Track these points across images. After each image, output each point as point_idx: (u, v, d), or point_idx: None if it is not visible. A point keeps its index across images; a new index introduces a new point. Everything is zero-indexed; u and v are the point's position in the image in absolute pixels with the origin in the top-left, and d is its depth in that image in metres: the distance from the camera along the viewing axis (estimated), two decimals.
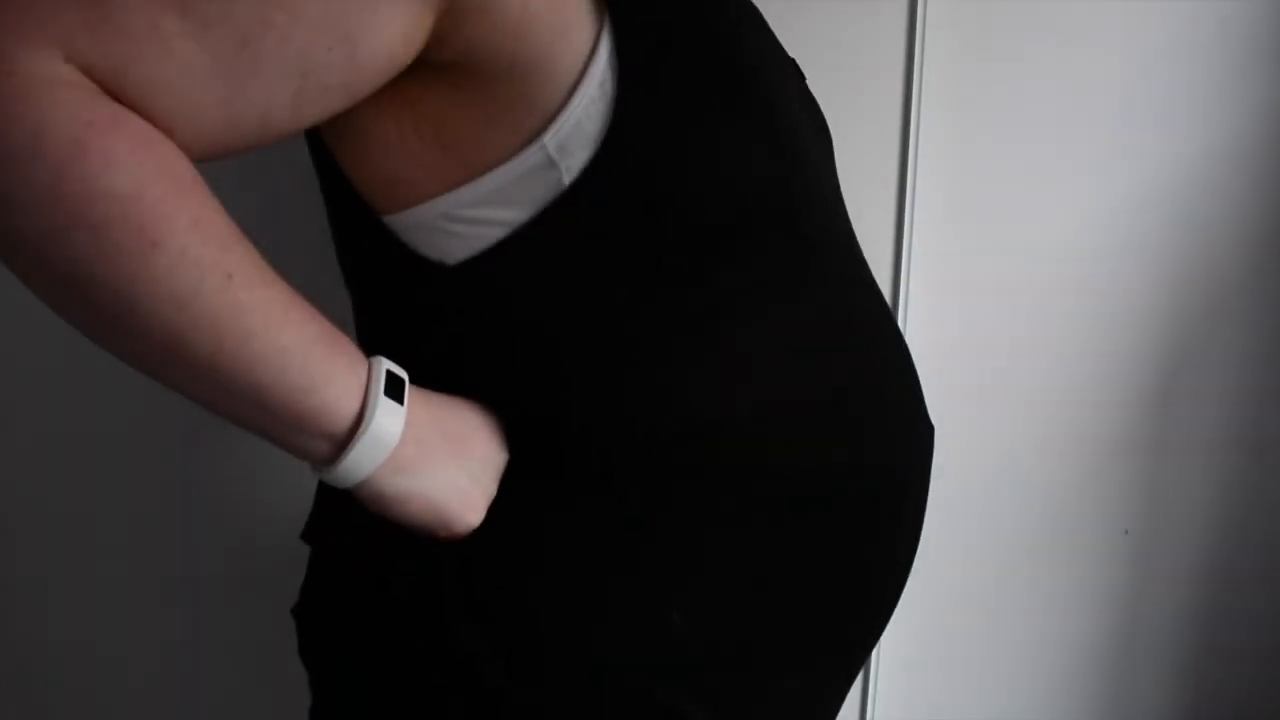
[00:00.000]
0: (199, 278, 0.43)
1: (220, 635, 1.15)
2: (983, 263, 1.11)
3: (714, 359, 0.57)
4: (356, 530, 0.55)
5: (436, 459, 0.53)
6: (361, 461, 0.50)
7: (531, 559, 0.56)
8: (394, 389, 0.51)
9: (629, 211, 0.53)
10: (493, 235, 0.53)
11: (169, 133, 0.44)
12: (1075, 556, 1.19)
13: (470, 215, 0.53)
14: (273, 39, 0.43)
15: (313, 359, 0.48)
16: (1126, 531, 1.17)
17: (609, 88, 0.50)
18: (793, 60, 0.69)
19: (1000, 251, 1.10)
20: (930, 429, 0.70)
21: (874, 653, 1.21)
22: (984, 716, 1.24)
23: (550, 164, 0.51)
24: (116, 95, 0.42)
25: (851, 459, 0.61)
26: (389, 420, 0.50)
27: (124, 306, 0.43)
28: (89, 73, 0.41)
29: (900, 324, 1.11)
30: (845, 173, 1.08)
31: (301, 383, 0.48)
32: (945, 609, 1.21)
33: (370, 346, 0.62)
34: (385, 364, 0.52)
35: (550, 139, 0.51)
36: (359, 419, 0.50)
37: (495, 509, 0.56)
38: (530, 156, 0.51)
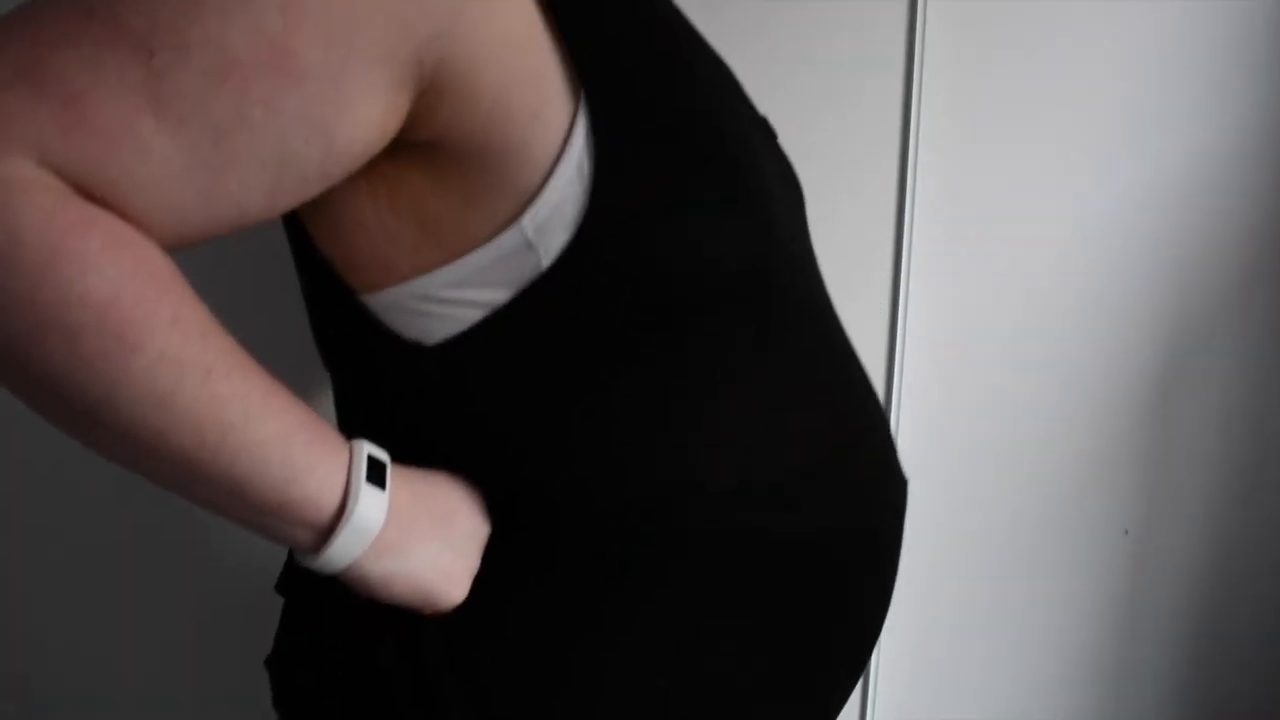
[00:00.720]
0: (179, 375, 0.43)
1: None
2: (982, 262, 1.11)
3: (690, 430, 0.56)
4: (334, 587, 0.55)
5: (420, 539, 0.53)
6: (345, 549, 0.50)
7: (518, 630, 0.56)
8: (376, 474, 0.51)
9: (607, 290, 0.53)
10: (471, 316, 0.53)
11: (145, 226, 0.43)
12: (1075, 556, 1.19)
13: (448, 296, 0.53)
14: (249, 133, 0.43)
15: (294, 449, 0.48)
16: (1126, 531, 1.17)
17: (586, 170, 0.50)
18: (764, 119, 0.69)
19: (1000, 251, 1.10)
20: (904, 483, 0.70)
21: (874, 653, 1.21)
22: (983, 717, 1.24)
23: (529, 246, 0.51)
24: (90, 194, 0.42)
25: (827, 523, 0.61)
26: (371, 508, 0.50)
27: (102, 407, 0.43)
28: (62, 174, 0.41)
29: (900, 324, 1.11)
30: (845, 173, 1.08)
31: (283, 474, 0.48)
32: (945, 609, 1.21)
33: (350, 422, 0.61)
34: (367, 448, 0.52)
35: (528, 221, 0.50)
36: (341, 507, 0.49)
37: (480, 582, 0.56)
38: (508, 239, 0.51)
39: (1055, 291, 1.11)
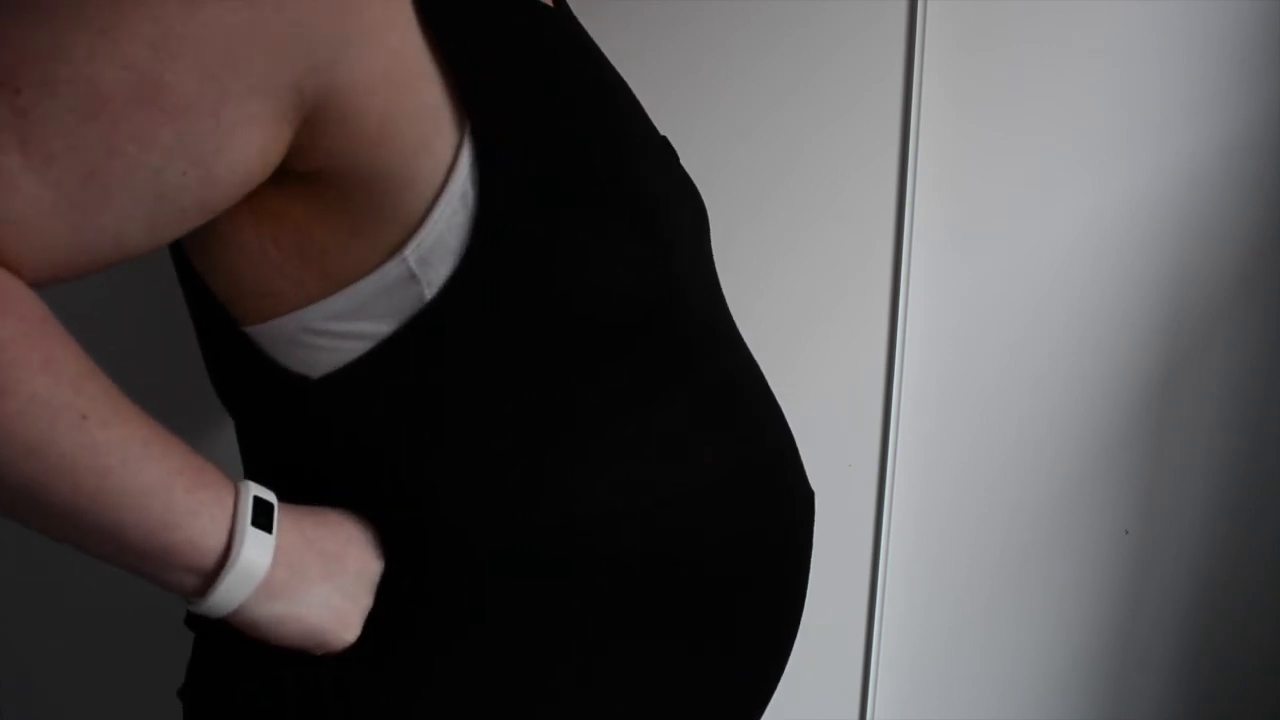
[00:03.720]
0: (51, 421, 0.42)
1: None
2: (982, 262, 1.11)
3: (595, 455, 0.56)
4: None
5: (310, 581, 0.52)
6: (230, 593, 0.49)
7: (411, 668, 0.55)
8: (262, 515, 0.50)
9: (496, 320, 0.53)
10: (357, 348, 0.53)
11: (15, 264, 0.42)
12: (1075, 556, 1.19)
13: (331, 329, 0.52)
14: (123, 168, 0.42)
15: (175, 494, 0.47)
16: (1127, 531, 1.17)
17: (470, 200, 0.50)
18: (665, 139, 0.69)
19: (1000, 251, 1.11)
20: (810, 494, 0.70)
21: (874, 652, 1.21)
22: (983, 717, 1.24)
23: (412, 277, 0.51)
24: None
25: (744, 537, 0.62)
26: (256, 551, 0.49)
27: None
28: None
29: (900, 324, 1.11)
30: (845, 173, 1.08)
31: (165, 519, 0.46)
32: (945, 609, 1.21)
33: (247, 455, 0.60)
34: (253, 490, 0.51)
35: (411, 252, 0.50)
36: (226, 551, 0.48)
37: (372, 620, 0.55)
38: (391, 270, 0.50)
39: (1055, 291, 1.11)
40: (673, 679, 0.61)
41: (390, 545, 0.56)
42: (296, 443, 0.57)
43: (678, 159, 0.70)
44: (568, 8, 0.66)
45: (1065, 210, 1.09)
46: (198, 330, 0.60)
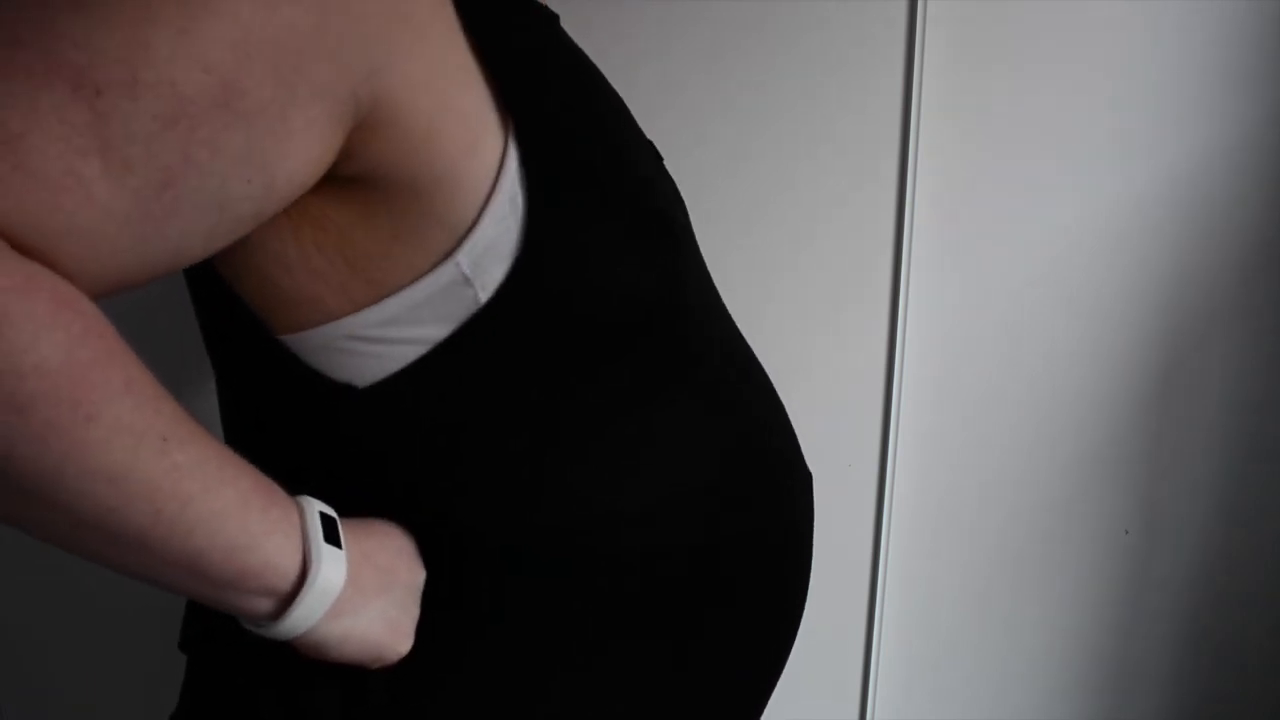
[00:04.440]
0: (135, 446, 0.40)
1: None
2: (982, 263, 1.11)
3: (596, 455, 0.56)
4: (250, 645, 0.51)
5: (368, 596, 0.51)
6: (307, 614, 0.47)
7: (431, 672, 0.55)
8: (329, 532, 0.49)
9: (543, 320, 0.53)
10: (408, 354, 0.52)
11: (75, 278, 0.40)
12: (1075, 556, 1.19)
13: (381, 335, 0.51)
14: (195, 176, 0.41)
15: (252, 513, 0.45)
16: (1127, 531, 1.17)
17: (519, 202, 0.50)
18: (650, 143, 0.70)
19: (999, 252, 1.11)
20: (809, 477, 0.70)
21: (874, 652, 1.21)
22: (983, 716, 1.24)
23: (465, 281, 0.50)
24: (22, 244, 0.38)
25: (744, 537, 0.62)
26: (332, 569, 0.48)
27: (48, 485, 0.39)
28: None
29: (900, 325, 1.11)
30: (845, 173, 1.08)
31: (241, 541, 0.45)
32: (945, 609, 1.21)
33: (269, 468, 0.58)
34: (317, 506, 0.49)
35: (463, 256, 0.50)
36: (303, 571, 0.47)
37: (421, 630, 0.54)
38: (443, 275, 0.50)
39: (1055, 291, 1.11)
40: (672, 679, 0.61)
41: (429, 554, 0.56)
42: (320, 447, 0.56)
43: (662, 160, 0.71)
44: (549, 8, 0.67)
45: (1065, 211, 1.09)
46: (210, 335, 0.59)
